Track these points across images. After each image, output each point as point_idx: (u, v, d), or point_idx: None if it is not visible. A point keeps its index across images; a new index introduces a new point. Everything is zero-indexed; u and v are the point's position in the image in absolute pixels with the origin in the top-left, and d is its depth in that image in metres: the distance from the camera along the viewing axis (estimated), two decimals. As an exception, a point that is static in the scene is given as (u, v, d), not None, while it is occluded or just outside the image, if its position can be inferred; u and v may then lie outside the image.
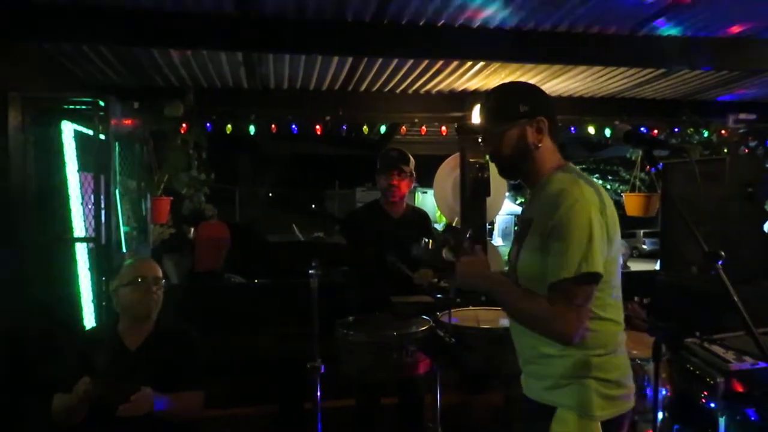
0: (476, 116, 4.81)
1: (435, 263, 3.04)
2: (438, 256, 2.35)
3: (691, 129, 5.55)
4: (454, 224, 2.31)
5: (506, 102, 1.80)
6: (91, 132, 3.59)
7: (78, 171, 3.67)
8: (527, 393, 1.83)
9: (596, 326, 1.67)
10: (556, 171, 1.77)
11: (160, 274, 2.65)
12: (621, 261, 1.81)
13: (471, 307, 3.14)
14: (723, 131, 5.50)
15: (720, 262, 1.45)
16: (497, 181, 5.18)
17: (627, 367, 1.76)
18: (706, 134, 5.53)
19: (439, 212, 9.03)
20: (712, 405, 2.46)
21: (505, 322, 2.82)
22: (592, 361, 1.68)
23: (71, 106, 3.58)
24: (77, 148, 3.67)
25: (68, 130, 3.63)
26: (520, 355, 1.87)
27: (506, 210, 11.28)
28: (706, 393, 2.49)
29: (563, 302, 1.60)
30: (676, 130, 5.70)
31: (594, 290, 1.64)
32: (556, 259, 1.61)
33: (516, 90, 1.88)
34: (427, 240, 2.93)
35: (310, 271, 2.75)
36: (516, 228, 2.05)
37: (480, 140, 1.86)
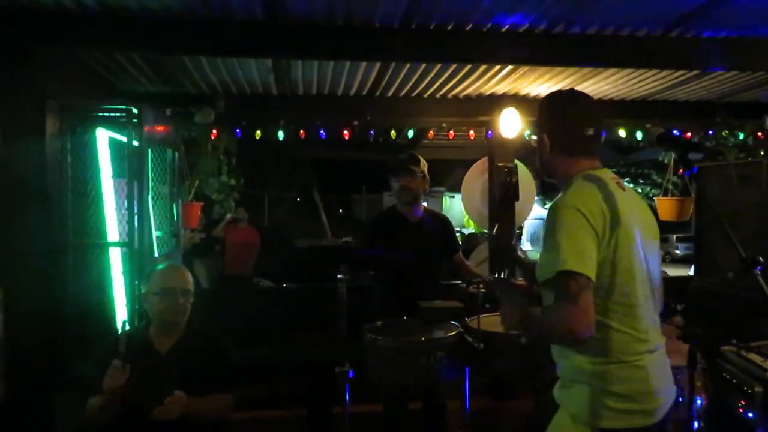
0: (511, 118, 4.84)
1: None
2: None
3: (726, 131, 5.42)
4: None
5: (539, 111, 1.96)
6: (125, 139, 3.66)
7: (113, 177, 3.75)
8: (554, 392, 1.89)
9: (596, 333, 1.62)
10: (575, 178, 1.82)
11: (189, 284, 2.68)
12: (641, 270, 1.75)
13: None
14: (759, 133, 5.36)
15: (758, 268, 1.42)
16: (526, 186, 5.14)
17: (645, 383, 1.69)
18: (741, 136, 5.40)
19: (467, 217, 9.00)
20: (750, 415, 2.40)
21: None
22: (587, 367, 1.68)
23: (106, 114, 3.66)
24: (112, 154, 3.75)
25: (103, 137, 3.71)
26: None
27: (535, 214, 11.17)
28: (743, 402, 2.43)
29: (559, 298, 1.63)
30: (711, 132, 5.57)
31: (584, 286, 1.59)
32: (542, 260, 1.70)
33: (543, 102, 1.99)
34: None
35: (338, 276, 2.76)
36: None
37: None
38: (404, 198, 3.43)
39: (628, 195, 1.79)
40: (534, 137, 1.95)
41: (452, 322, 2.85)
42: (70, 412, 3.04)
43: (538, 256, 1.76)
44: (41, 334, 3.30)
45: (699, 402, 2.57)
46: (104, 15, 3.23)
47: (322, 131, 5.55)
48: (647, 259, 1.75)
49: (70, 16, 3.22)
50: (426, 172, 3.50)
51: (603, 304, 1.66)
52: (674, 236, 21.44)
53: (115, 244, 3.71)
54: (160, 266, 2.80)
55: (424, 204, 3.66)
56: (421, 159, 3.48)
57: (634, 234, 1.71)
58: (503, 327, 1.94)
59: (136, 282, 3.45)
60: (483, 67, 4.35)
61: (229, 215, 7.20)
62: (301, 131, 5.57)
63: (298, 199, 19.44)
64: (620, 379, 1.66)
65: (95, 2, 3.09)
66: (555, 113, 1.93)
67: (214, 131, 4.90)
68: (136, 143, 3.58)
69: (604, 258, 1.65)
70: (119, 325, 3.60)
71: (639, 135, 5.49)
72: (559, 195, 1.79)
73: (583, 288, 1.58)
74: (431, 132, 6.17)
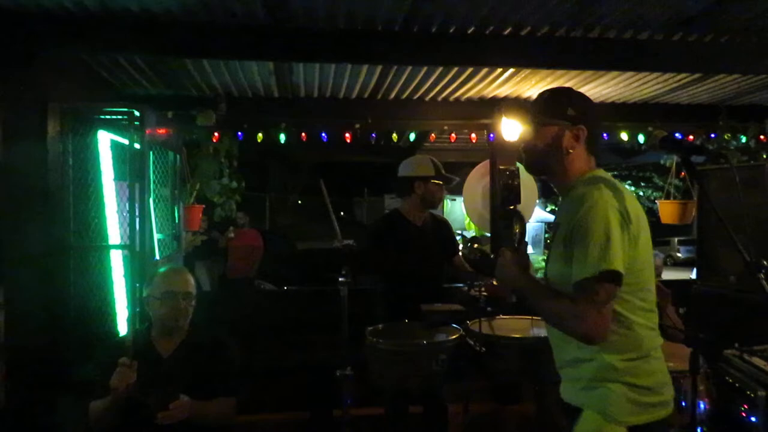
0: (513, 121, 4.78)
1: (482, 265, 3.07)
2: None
3: (728, 134, 5.42)
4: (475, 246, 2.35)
5: (558, 100, 1.84)
6: (126, 141, 3.66)
7: (114, 179, 3.75)
8: (563, 396, 1.85)
9: (625, 330, 1.68)
10: (584, 177, 1.81)
11: (191, 287, 2.68)
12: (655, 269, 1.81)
13: (501, 316, 3.11)
14: (762, 136, 5.36)
15: (762, 271, 1.41)
16: (527, 189, 5.13)
17: (664, 374, 1.76)
18: (744, 140, 5.39)
19: (468, 220, 8.99)
20: (753, 419, 2.39)
21: (536, 331, 2.78)
22: (619, 365, 1.68)
23: (108, 116, 3.66)
24: (113, 157, 3.75)
25: (105, 139, 3.71)
26: (558, 359, 1.88)
27: (536, 217, 11.16)
28: (746, 407, 2.42)
29: (585, 301, 1.61)
30: (713, 135, 5.57)
31: (615, 289, 1.63)
32: (578, 260, 1.64)
33: (570, 94, 1.89)
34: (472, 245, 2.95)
35: (339, 279, 2.75)
36: (547, 235, 2.04)
37: (522, 127, 1.93)
38: (431, 205, 3.46)
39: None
40: (554, 124, 1.82)
41: (454, 325, 2.84)
42: (71, 415, 3.04)
43: (560, 253, 1.73)
44: (42, 336, 3.30)
45: (702, 406, 2.55)
46: (106, 18, 3.24)
47: (323, 134, 5.56)
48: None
49: (72, 19, 3.23)
50: None
51: (631, 301, 1.69)
52: (676, 239, 21.41)
53: (116, 247, 3.71)
54: (162, 269, 2.79)
55: None
56: None
57: (648, 234, 1.77)
58: (496, 279, 1.92)
59: (138, 284, 3.45)
60: (485, 70, 4.36)
61: (232, 230, 7.22)
62: (303, 134, 5.58)
63: (300, 202, 19.46)
64: (648, 373, 1.71)
65: (98, 5, 3.10)
66: (589, 107, 1.87)
67: (216, 134, 4.91)
68: (137, 146, 3.58)
69: (634, 258, 1.67)
70: (122, 325, 3.63)
71: (641, 138, 5.49)
72: (590, 190, 1.69)
73: (611, 297, 1.62)
74: (433, 135, 6.19)
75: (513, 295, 2.70)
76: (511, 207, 2.10)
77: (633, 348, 1.70)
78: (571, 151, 1.80)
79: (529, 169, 1.94)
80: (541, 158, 1.85)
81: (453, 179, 3.56)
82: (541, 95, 1.91)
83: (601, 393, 1.69)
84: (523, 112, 1.91)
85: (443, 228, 3.63)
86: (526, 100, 5.14)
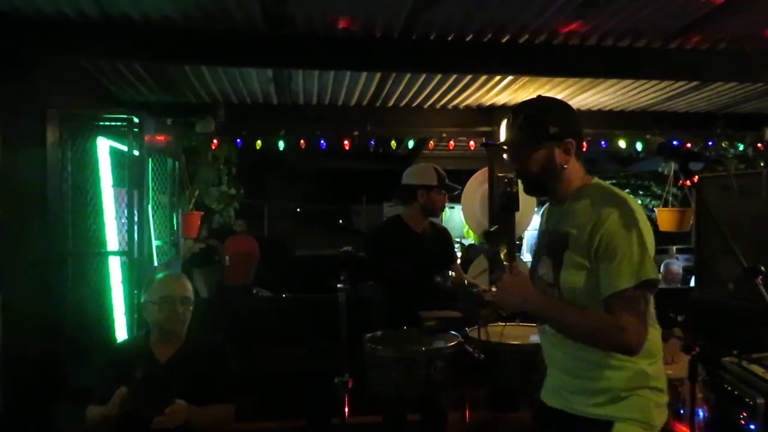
0: (504, 131, 4.77)
1: (457, 293, 3.09)
2: (460, 287, 2.30)
3: (726, 142, 5.44)
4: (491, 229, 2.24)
5: (536, 121, 1.78)
6: (125, 148, 3.66)
7: (113, 186, 3.75)
8: (566, 408, 1.77)
9: (648, 334, 1.66)
10: (587, 184, 1.79)
11: (189, 292, 2.68)
12: None
13: (499, 323, 3.10)
14: (759, 144, 5.38)
15: (760, 278, 1.42)
16: (526, 196, 5.11)
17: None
18: (741, 147, 5.41)
19: (466, 227, 8.99)
20: (752, 426, 2.38)
21: (535, 338, 2.77)
22: (647, 370, 1.68)
23: (107, 123, 3.67)
24: (112, 163, 3.76)
25: (103, 145, 3.71)
26: (560, 369, 1.81)
27: (535, 225, 11.15)
28: (745, 414, 2.42)
29: (626, 312, 1.58)
30: (710, 143, 5.59)
31: (650, 297, 1.64)
32: (614, 270, 1.60)
33: (546, 109, 1.83)
34: (449, 273, 2.96)
35: (338, 286, 2.75)
36: (543, 242, 1.91)
37: (506, 156, 1.88)
38: (432, 213, 3.48)
39: None
40: (541, 147, 1.76)
41: (452, 332, 2.84)
42: (69, 421, 3.02)
43: (578, 263, 1.67)
44: (40, 343, 3.29)
45: (701, 414, 2.55)
46: (106, 24, 3.25)
47: (322, 141, 5.57)
48: None
49: (71, 26, 3.24)
50: None
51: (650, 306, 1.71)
52: (674, 247, 21.37)
53: (114, 253, 3.70)
54: (160, 275, 2.79)
55: None
56: None
57: None
58: (499, 300, 1.84)
59: (136, 291, 3.45)
60: (483, 78, 4.37)
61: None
62: (302, 141, 5.59)
63: (298, 210, 19.44)
64: (661, 375, 1.73)
65: (97, 12, 3.11)
66: (568, 115, 1.83)
67: (215, 141, 4.92)
68: (136, 152, 3.59)
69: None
70: (120, 332, 3.62)
71: (639, 146, 5.51)
72: (610, 199, 1.68)
73: (648, 304, 1.63)
74: (431, 142, 6.20)
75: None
76: (491, 229, 2.08)
77: (655, 351, 1.71)
78: (565, 166, 1.76)
79: (531, 192, 1.89)
80: (540, 181, 1.81)
81: (456, 188, 3.59)
82: (514, 120, 1.82)
83: (635, 402, 1.66)
84: (505, 149, 1.87)
85: (442, 236, 3.63)
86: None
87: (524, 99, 2.09)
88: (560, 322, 1.73)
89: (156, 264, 4.19)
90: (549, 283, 1.78)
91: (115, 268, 3.71)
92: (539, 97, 1.94)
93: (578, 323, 1.68)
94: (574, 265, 1.70)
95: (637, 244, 1.60)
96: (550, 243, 1.83)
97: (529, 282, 1.82)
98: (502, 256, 1.87)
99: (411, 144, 6.32)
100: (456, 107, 5.30)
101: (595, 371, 1.70)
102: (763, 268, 1.41)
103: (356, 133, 5.42)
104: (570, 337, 1.73)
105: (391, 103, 5.17)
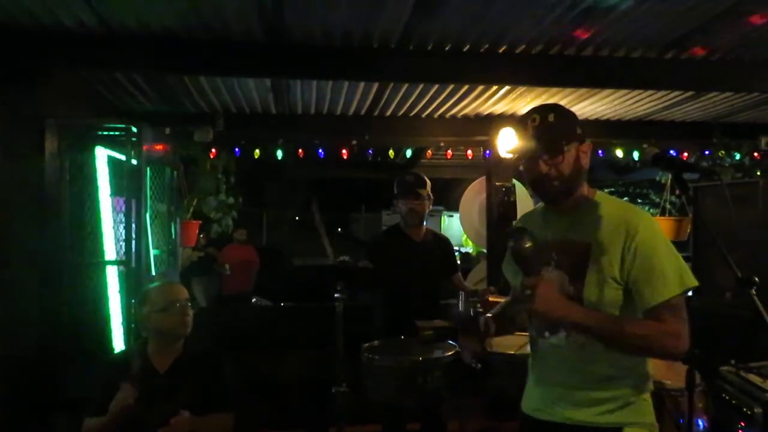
0: (509, 138, 4.76)
1: (474, 328, 3.01)
2: (476, 322, 2.11)
3: (722, 151, 5.47)
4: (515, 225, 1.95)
5: (566, 121, 1.74)
6: (123, 157, 3.67)
7: (111, 195, 3.75)
8: (565, 421, 1.74)
9: None
10: (595, 194, 1.81)
11: (188, 296, 2.68)
12: None
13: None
14: (755, 153, 5.40)
15: (754, 288, 1.42)
16: (524, 205, 5.15)
17: None
18: (738, 157, 5.44)
19: (465, 236, 9.00)
20: (750, 436, 2.38)
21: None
22: (648, 372, 1.74)
23: (105, 132, 3.67)
24: (110, 172, 3.76)
25: (102, 155, 3.72)
26: (558, 383, 1.78)
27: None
28: (743, 424, 2.41)
29: (677, 319, 1.62)
30: (707, 152, 5.62)
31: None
32: (659, 280, 1.61)
33: (570, 112, 1.80)
34: (468, 301, 2.90)
35: (335, 295, 2.75)
36: (544, 252, 1.77)
37: (536, 158, 1.71)
38: (411, 220, 3.46)
39: None
40: (572, 146, 1.71)
41: (450, 341, 2.84)
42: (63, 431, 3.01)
43: (597, 281, 1.65)
44: (37, 352, 3.28)
45: (700, 424, 2.55)
46: (105, 35, 3.27)
47: (320, 150, 5.59)
48: None
49: (70, 36, 3.25)
50: (430, 192, 3.53)
51: None
52: (672, 256, 21.39)
53: (112, 263, 3.70)
54: (154, 284, 2.77)
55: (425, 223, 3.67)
56: (427, 180, 3.50)
57: None
58: (533, 308, 1.65)
59: (133, 300, 3.44)
60: (480, 87, 4.39)
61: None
62: (300, 150, 5.61)
63: (297, 218, 19.44)
64: (651, 376, 1.79)
65: (96, 22, 3.12)
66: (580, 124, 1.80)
67: (213, 150, 4.94)
68: (134, 162, 3.60)
69: None
70: (117, 341, 3.61)
71: (636, 155, 5.53)
72: (631, 209, 1.72)
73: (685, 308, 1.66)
74: (429, 151, 6.22)
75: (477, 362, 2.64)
76: (515, 226, 1.89)
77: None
78: (586, 168, 1.76)
79: (560, 196, 1.74)
80: (570, 183, 1.72)
81: (418, 192, 3.41)
82: (545, 120, 1.71)
83: (639, 406, 1.71)
84: (537, 146, 1.70)
85: (443, 245, 3.63)
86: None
87: (520, 108, 2.10)
88: (612, 332, 1.63)
89: (154, 273, 4.19)
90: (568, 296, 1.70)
91: (112, 277, 3.71)
92: (558, 103, 1.87)
93: (629, 332, 1.62)
94: (603, 277, 1.66)
95: (673, 254, 1.65)
96: (560, 254, 1.75)
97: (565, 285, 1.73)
98: (530, 256, 1.68)
99: (409, 153, 6.35)
100: (453, 116, 5.31)
101: (601, 383, 1.70)
102: (756, 279, 1.42)
103: (354, 142, 5.43)
104: (615, 347, 1.66)
105: (388, 113, 5.19)
